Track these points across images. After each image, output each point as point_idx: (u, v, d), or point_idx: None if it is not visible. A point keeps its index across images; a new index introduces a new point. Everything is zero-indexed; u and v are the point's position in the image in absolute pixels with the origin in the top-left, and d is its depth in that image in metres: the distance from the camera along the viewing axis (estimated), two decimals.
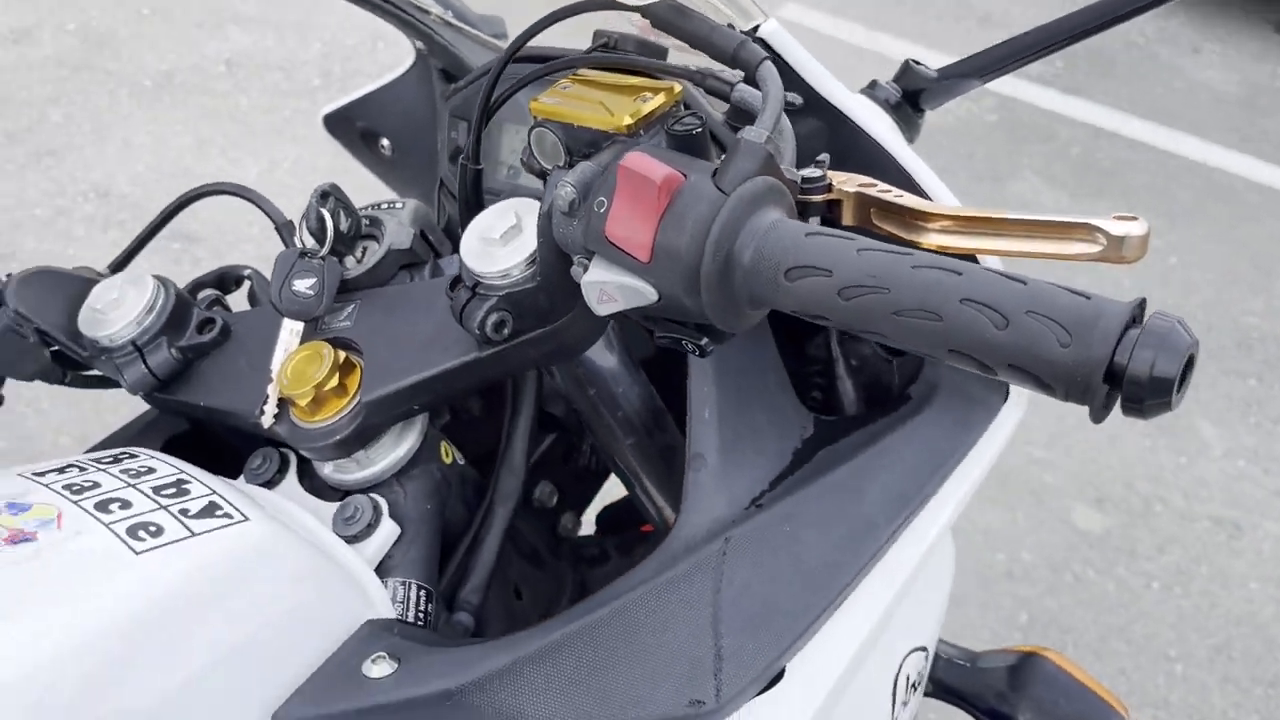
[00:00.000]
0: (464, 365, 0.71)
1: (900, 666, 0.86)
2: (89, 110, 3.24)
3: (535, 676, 0.65)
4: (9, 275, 0.80)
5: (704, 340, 0.64)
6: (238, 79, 3.38)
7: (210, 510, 0.66)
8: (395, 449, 0.77)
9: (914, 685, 0.88)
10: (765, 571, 0.71)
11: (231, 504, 0.67)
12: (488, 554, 0.81)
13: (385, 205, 0.84)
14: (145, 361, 0.77)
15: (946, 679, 0.99)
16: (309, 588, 0.66)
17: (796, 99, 0.78)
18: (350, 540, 0.73)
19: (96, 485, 0.66)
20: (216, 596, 0.61)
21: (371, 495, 0.75)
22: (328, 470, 0.77)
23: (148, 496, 0.66)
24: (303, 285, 0.77)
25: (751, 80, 0.70)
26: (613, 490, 1.00)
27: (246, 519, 0.66)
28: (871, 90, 0.88)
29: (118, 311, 0.77)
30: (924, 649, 0.90)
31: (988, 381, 0.82)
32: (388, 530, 0.74)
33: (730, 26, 0.75)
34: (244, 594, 0.62)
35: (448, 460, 0.81)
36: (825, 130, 0.81)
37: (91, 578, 0.59)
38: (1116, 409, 0.52)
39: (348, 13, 1.00)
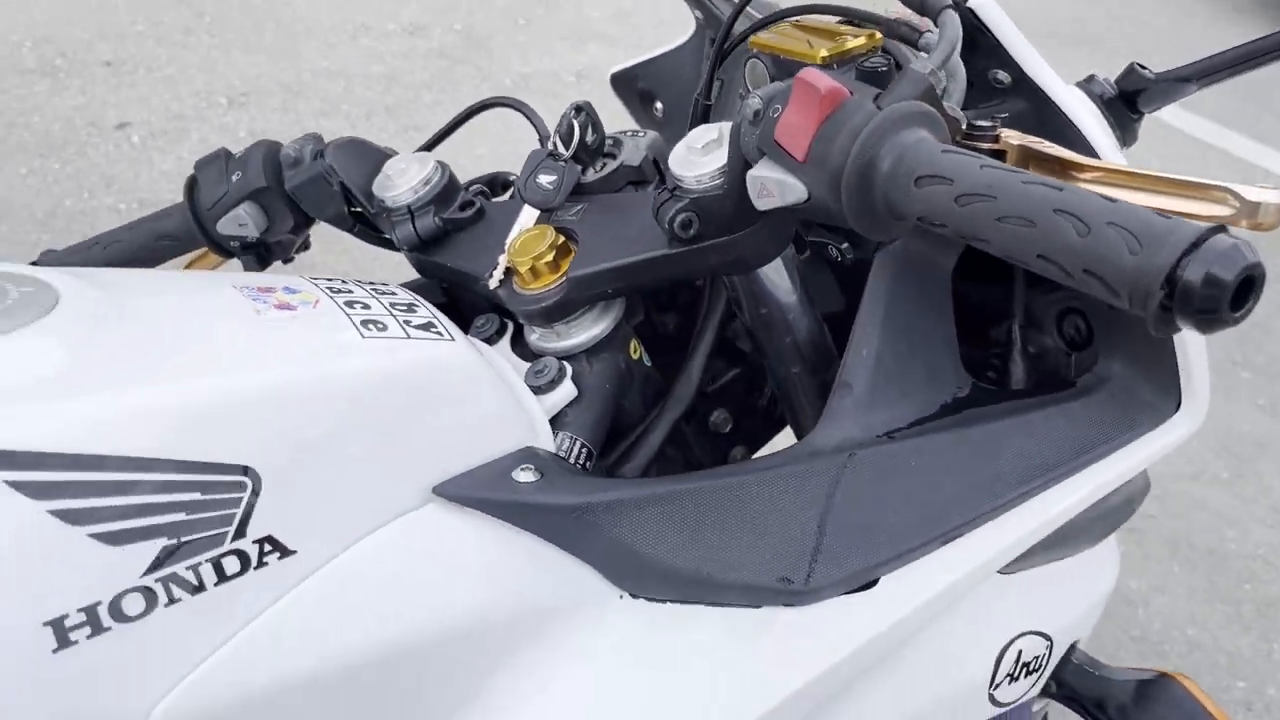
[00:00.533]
0: (653, 259, 0.82)
1: (1013, 640, 0.89)
2: (456, 97, 3.63)
3: (655, 514, 0.75)
4: (330, 141, 0.98)
5: (845, 245, 0.72)
6: (583, 89, 3.69)
7: (428, 326, 0.80)
8: (590, 328, 0.88)
9: (1028, 668, 0.90)
10: (881, 492, 0.77)
11: (446, 329, 0.81)
12: (652, 443, 0.91)
13: (629, 133, 0.97)
14: (414, 224, 0.93)
15: (1072, 681, 1.00)
16: (488, 406, 0.78)
17: (1005, 77, 0.85)
18: (534, 390, 0.85)
19: (350, 292, 0.82)
20: (412, 387, 0.75)
21: (561, 360, 0.88)
22: (534, 338, 0.90)
23: (384, 307, 0.81)
24: (545, 179, 0.91)
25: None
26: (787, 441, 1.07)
27: (454, 340, 0.80)
28: (1087, 84, 0.92)
29: (402, 179, 0.94)
30: (1048, 637, 0.91)
31: (1162, 389, 0.85)
32: (567, 390, 0.85)
33: None
34: (435, 392, 0.76)
35: (634, 356, 0.92)
36: (1033, 114, 0.87)
37: (326, 346, 0.75)
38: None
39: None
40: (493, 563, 0.72)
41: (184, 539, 0.61)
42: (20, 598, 0.58)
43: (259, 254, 1.00)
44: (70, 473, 0.60)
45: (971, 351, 0.89)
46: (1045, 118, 0.86)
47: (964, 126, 0.74)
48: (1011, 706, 0.90)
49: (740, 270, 0.89)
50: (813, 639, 0.74)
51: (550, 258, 0.86)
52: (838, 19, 0.84)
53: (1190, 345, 0.84)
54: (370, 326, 0.77)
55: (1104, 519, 0.92)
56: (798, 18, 0.82)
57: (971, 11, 0.82)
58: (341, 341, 0.75)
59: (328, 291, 0.81)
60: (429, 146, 1.05)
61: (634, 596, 0.74)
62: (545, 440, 0.81)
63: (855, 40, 0.75)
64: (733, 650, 0.74)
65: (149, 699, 0.61)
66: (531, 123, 1.00)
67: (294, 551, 0.65)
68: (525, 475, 0.75)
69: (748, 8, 0.85)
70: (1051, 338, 0.92)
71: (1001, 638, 0.89)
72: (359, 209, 0.96)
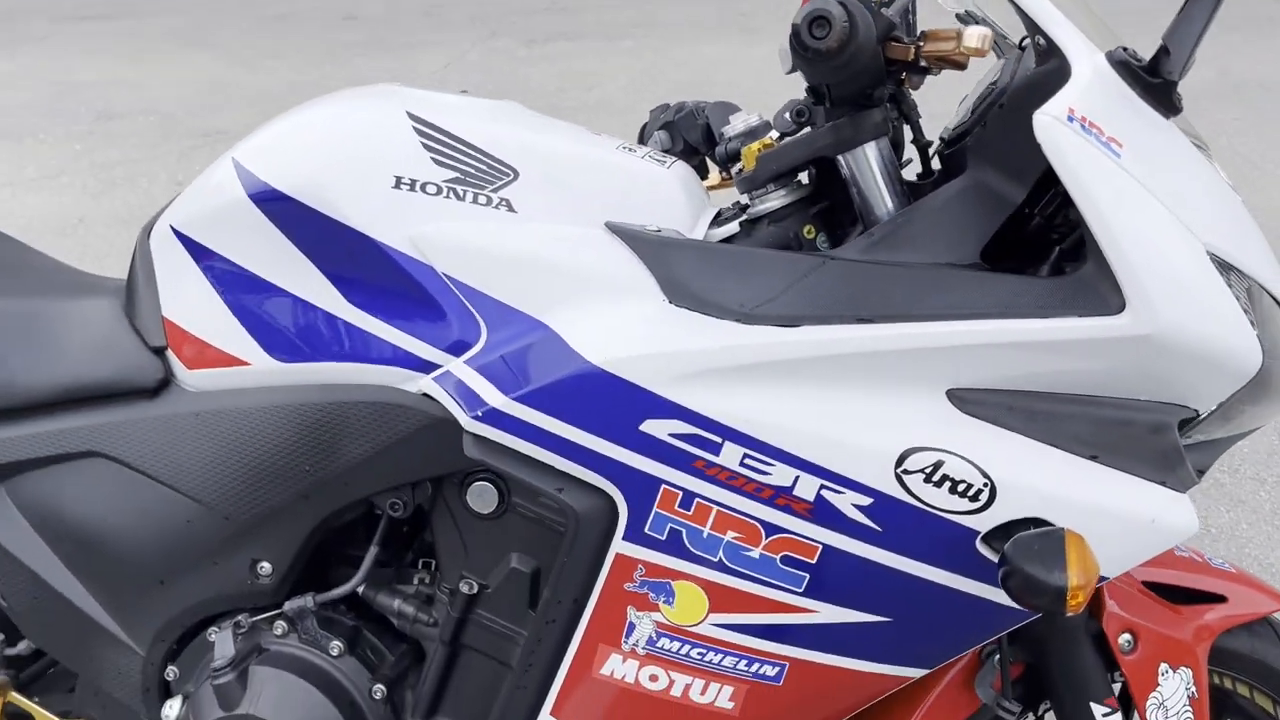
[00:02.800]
0: (801, 138, 1.12)
1: (939, 450, 1.00)
2: None
3: (701, 259, 1.09)
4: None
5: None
6: None
7: (660, 161, 1.20)
8: (767, 202, 1.15)
9: (954, 487, 1.00)
10: (835, 284, 1.02)
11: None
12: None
13: None
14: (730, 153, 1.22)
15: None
16: (667, 207, 1.14)
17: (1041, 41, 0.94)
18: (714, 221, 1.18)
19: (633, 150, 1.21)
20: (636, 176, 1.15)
21: (742, 215, 1.18)
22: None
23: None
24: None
25: None
26: None
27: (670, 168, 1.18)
28: (1112, 51, 0.99)
29: (737, 118, 1.21)
30: (989, 479, 1.00)
31: (1116, 290, 0.96)
32: (730, 228, 1.17)
33: None
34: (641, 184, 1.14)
35: (809, 235, 1.15)
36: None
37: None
38: None
39: None
40: (612, 255, 1.08)
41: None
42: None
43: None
44: None
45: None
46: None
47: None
48: (927, 509, 1.01)
49: (844, 149, 1.11)
50: (739, 337, 1.01)
51: (758, 150, 1.15)
52: None
53: (1130, 251, 0.94)
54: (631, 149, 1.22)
55: (1113, 436, 1.00)
56: None
57: None
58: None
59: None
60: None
61: (669, 302, 1.05)
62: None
63: None
64: (691, 328, 1.03)
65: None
66: None
67: (516, 212, 1.11)
68: (667, 234, 1.10)
69: None
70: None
71: (920, 436, 1.00)
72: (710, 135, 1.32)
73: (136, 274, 1.28)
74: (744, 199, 1.19)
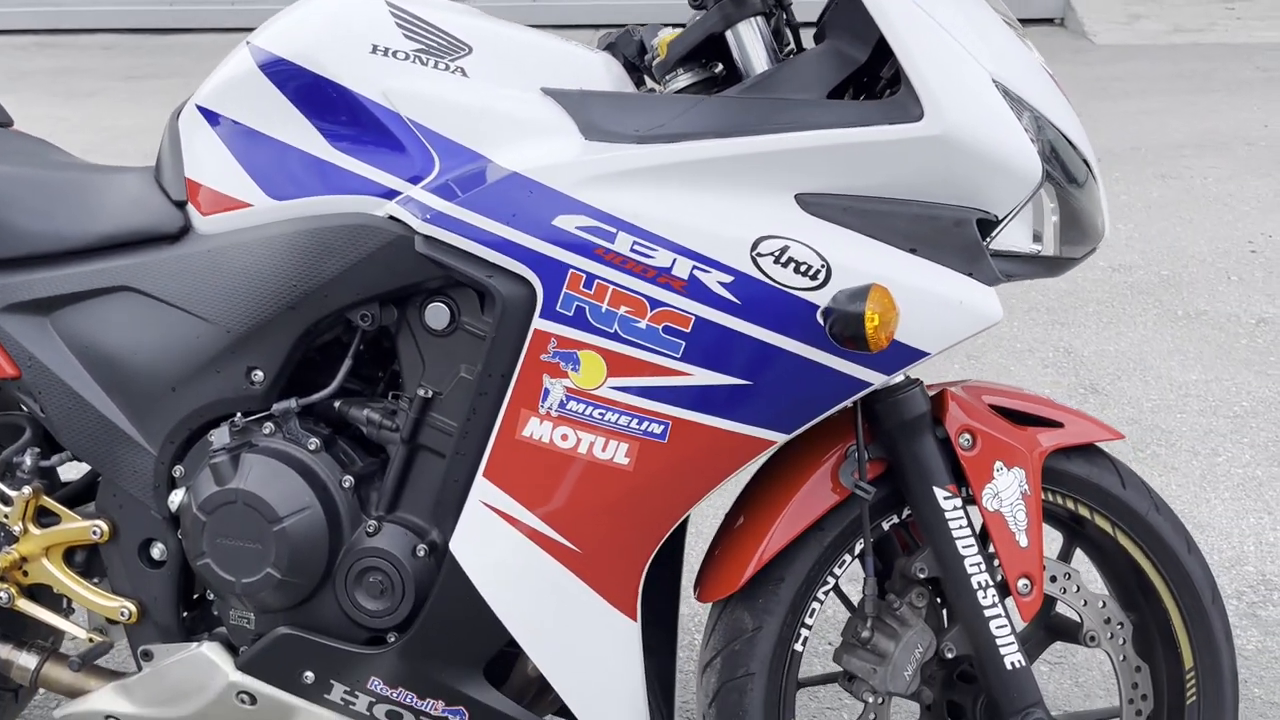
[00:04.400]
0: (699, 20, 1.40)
1: (784, 237, 1.26)
2: None
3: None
4: None
5: None
6: None
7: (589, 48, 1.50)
8: (677, 83, 1.45)
9: (798, 268, 1.25)
10: (704, 114, 1.31)
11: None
12: None
13: None
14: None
15: None
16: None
17: None
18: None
19: None
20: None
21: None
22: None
23: None
24: None
25: None
26: None
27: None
28: None
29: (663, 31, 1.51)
30: (825, 261, 1.26)
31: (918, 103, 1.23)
32: None
33: None
34: (576, 64, 1.46)
35: None
36: None
37: None
38: None
39: None
40: (543, 107, 1.37)
41: None
42: None
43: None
44: None
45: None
46: None
47: None
48: (777, 285, 1.27)
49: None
50: (632, 151, 1.29)
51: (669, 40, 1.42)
52: None
53: (924, 65, 1.22)
54: None
55: (926, 230, 1.25)
56: None
57: None
58: None
59: None
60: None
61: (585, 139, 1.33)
62: None
63: None
64: (597, 150, 1.32)
65: None
66: None
67: (468, 78, 1.40)
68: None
69: None
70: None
71: (771, 227, 1.27)
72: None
73: (164, 148, 1.57)
74: (658, 87, 1.47)
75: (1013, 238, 1.32)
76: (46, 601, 1.66)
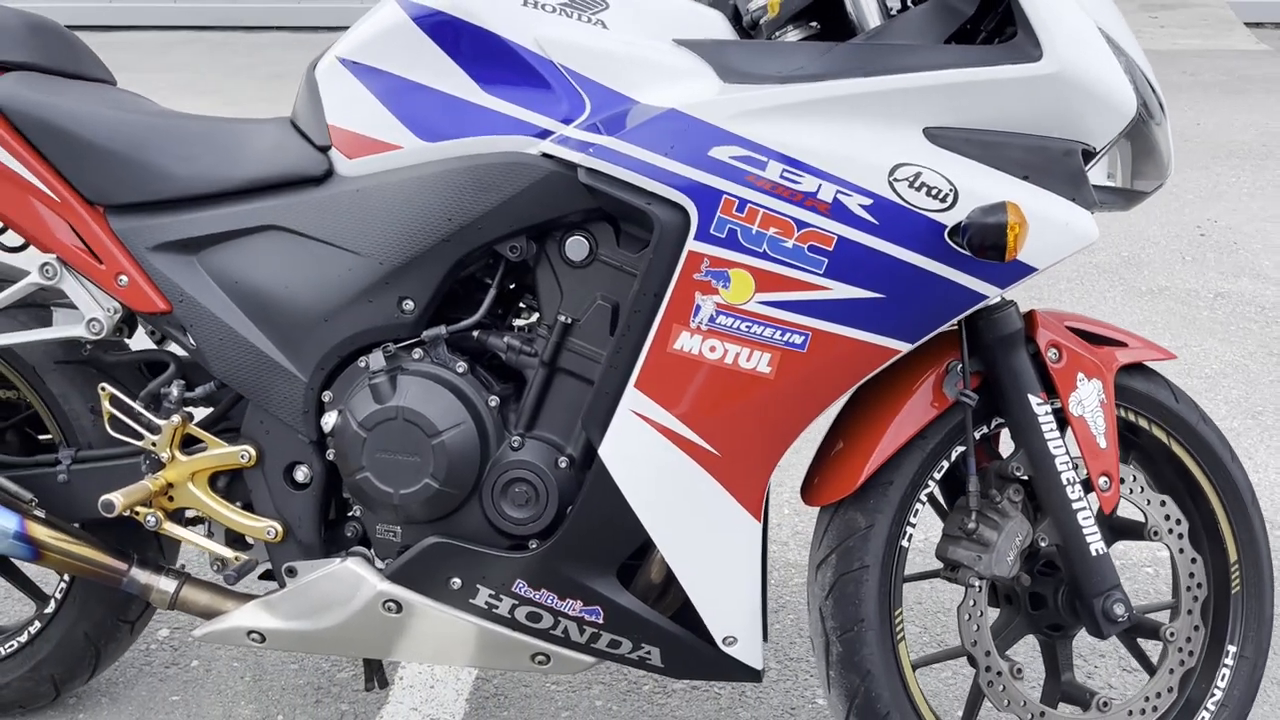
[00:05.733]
0: None
1: (916, 164, 1.43)
2: None
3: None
4: None
5: None
6: None
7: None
8: (787, 39, 1.58)
9: (929, 190, 1.43)
10: (844, 55, 1.48)
11: None
12: None
13: None
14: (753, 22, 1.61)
15: None
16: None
17: None
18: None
19: None
20: None
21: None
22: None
23: None
24: None
25: None
26: None
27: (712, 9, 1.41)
28: None
29: None
30: (953, 186, 1.43)
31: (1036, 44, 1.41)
32: None
33: None
34: (698, 18, 1.57)
35: None
36: None
37: None
38: None
39: None
40: (681, 55, 1.55)
41: None
42: None
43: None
44: None
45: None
46: None
47: None
48: (910, 207, 1.43)
49: None
50: (779, 88, 1.46)
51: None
52: None
53: (1045, 11, 1.41)
54: None
55: (1038, 160, 1.44)
56: None
57: None
58: None
59: None
60: None
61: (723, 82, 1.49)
62: None
63: None
64: (743, 90, 1.48)
65: None
66: None
67: (608, 29, 1.57)
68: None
69: None
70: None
71: (906, 156, 1.44)
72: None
73: (300, 99, 1.69)
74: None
75: (1092, 171, 1.51)
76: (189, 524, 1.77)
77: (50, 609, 1.90)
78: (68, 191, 1.68)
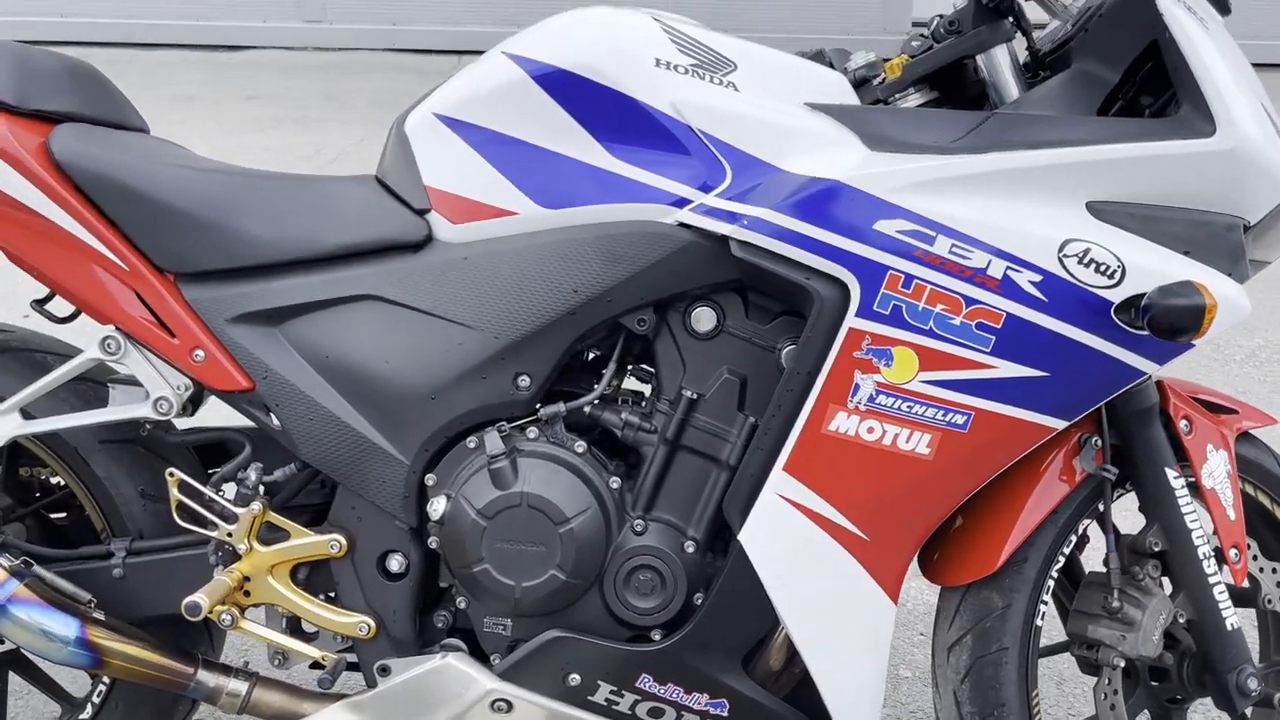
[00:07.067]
0: (949, 45, 1.48)
1: (1085, 240, 1.38)
2: None
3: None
4: None
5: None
6: None
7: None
8: (907, 103, 1.53)
9: (1096, 266, 1.38)
10: (996, 128, 1.43)
11: None
12: None
13: None
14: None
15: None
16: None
17: None
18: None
19: None
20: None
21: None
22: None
23: None
24: None
25: None
26: None
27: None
28: None
29: (855, 56, 1.60)
30: (1120, 262, 1.38)
31: (1207, 119, 1.39)
32: None
33: None
34: (824, 80, 1.48)
35: None
36: None
37: None
38: None
39: None
40: (820, 120, 1.47)
41: None
42: None
43: None
44: None
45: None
46: None
47: None
48: (1079, 284, 1.38)
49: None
50: (943, 160, 1.40)
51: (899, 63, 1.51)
52: None
53: (1221, 86, 1.37)
54: None
55: (1201, 235, 1.41)
56: None
57: None
58: None
59: None
60: None
61: (871, 150, 1.43)
62: None
63: None
64: (899, 161, 1.42)
65: None
66: None
67: (740, 92, 1.48)
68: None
69: None
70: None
71: (1074, 231, 1.39)
72: None
73: (390, 158, 1.56)
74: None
75: (1249, 243, 1.49)
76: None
77: (87, 715, 1.71)
78: (136, 258, 1.51)
